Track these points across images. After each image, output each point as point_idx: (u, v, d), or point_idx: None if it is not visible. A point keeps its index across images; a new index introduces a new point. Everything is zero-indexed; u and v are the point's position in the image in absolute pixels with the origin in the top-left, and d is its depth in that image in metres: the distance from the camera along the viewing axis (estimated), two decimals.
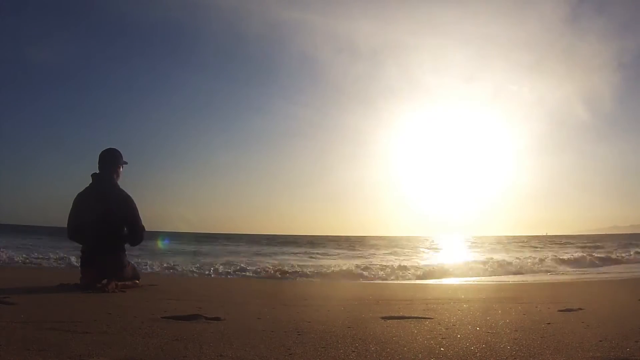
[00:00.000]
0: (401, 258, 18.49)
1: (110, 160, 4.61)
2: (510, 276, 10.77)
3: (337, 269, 11.40)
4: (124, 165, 4.70)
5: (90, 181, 4.57)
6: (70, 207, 4.56)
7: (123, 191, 4.58)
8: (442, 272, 11.15)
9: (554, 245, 31.46)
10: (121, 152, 4.70)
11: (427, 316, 3.17)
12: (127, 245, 4.61)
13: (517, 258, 15.58)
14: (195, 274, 9.68)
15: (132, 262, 4.83)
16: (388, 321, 2.96)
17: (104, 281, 4.31)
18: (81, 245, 4.53)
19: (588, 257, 15.40)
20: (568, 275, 11.07)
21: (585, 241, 36.82)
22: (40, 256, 11.73)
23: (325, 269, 11.17)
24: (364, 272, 10.71)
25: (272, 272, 10.41)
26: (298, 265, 12.30)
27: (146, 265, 10.15)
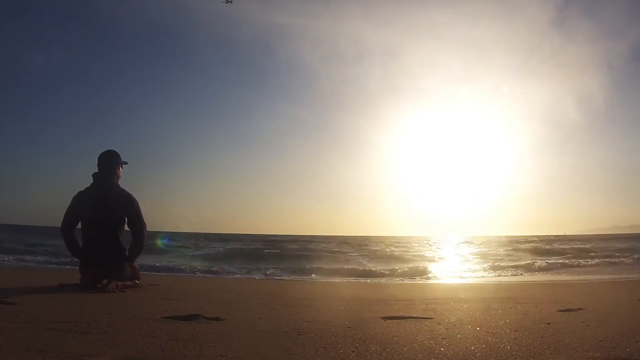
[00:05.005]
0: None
1: (109, 161, 4.62)
2: (510, 276, 10.78)
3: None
4: (123, 166, 4.72)
5: (92, 181, 4.58)
6: (69, 203, 4.56)
7: (125, 191, 4.60)
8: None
9: None
10: (119, 153, 4.70)
11: (427, 316, 3.17)
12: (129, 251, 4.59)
13: None
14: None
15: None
16: (388, 321, 2.96)
17: (104, 281, 4.30)
18: (69, 246, 4.52)
19: None
20: (568, 275, 11.07)
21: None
22: (41, 256, 11.74)
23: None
24: None
25: None
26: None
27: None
